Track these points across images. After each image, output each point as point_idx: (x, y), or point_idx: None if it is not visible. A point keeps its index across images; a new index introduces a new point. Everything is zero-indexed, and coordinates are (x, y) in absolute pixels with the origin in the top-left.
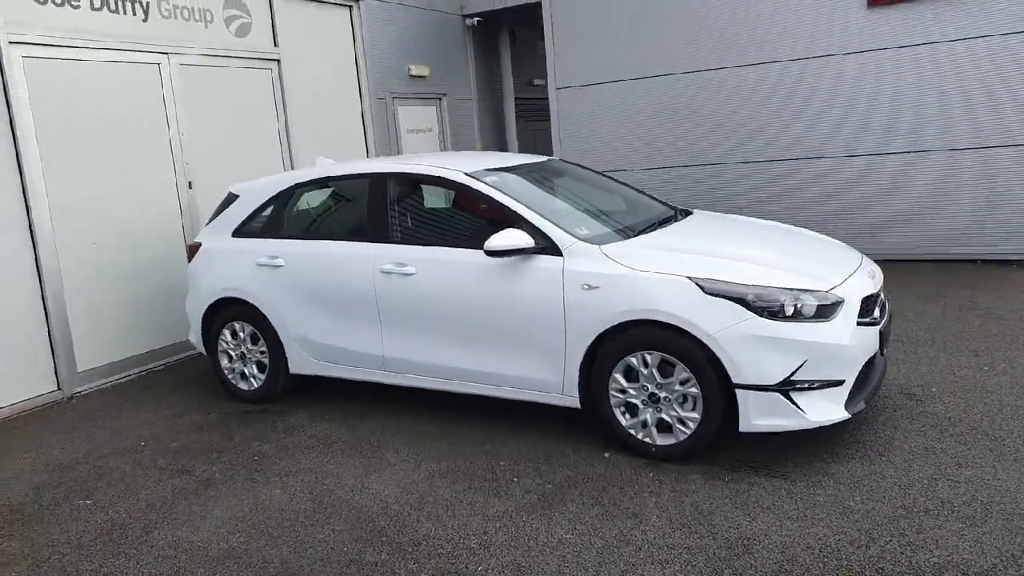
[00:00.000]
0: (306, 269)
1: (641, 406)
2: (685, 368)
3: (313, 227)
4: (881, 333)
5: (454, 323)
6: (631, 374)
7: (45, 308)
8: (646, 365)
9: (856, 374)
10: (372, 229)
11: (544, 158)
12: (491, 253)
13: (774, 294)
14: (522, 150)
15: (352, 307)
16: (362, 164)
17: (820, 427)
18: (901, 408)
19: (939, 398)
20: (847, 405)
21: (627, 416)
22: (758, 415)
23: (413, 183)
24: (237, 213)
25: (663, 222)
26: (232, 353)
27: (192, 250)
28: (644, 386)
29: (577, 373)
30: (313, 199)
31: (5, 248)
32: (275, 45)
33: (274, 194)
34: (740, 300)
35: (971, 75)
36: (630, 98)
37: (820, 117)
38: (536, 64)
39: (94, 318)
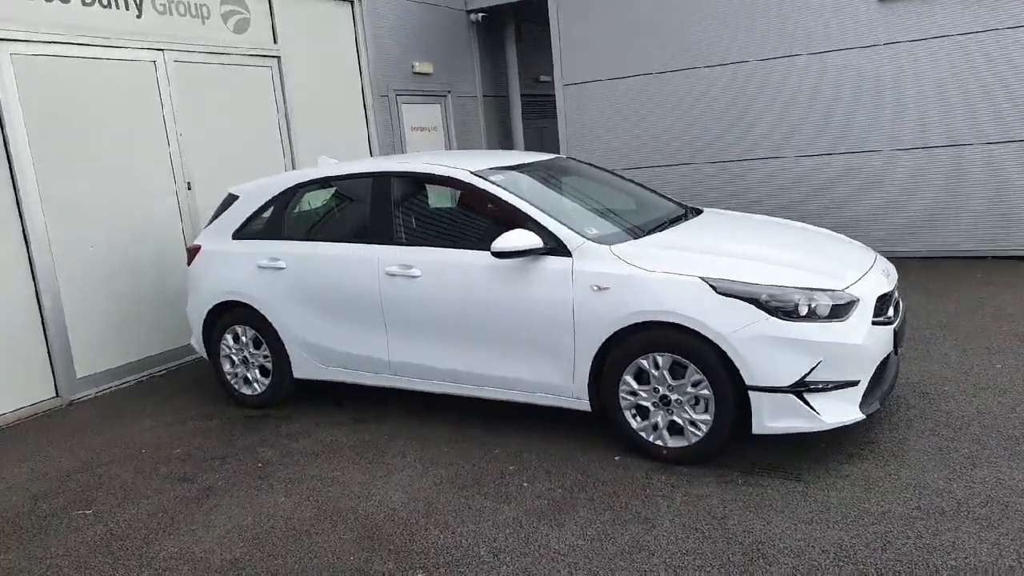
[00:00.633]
0: (309, 271)
1: (652, 408)
2: (697, 370)
3: (315, 228)
4: (895, 332)
5: (461, 326)
6: (642, 376)
7: (41, 313)
8: (657, 367)
9: (871, 374)
10: (376, 230)
11: (551, 156)
12: (498, 254)
13: (788, 294)
14: (528, 148)
15: (356, 310)
16: (365, 163)
17: (834, 428)
18: (914, 407)
19: (953, 397)
20: (862, 406)
21: (638, 419)
22: (772, 417)
23: (418, 183)
24: (237, 214)
25: (673, 221)
26: (234, 357)
27: (192, 252)
28: (655, 388)
29: (587, 375)
30: (315, 200)
31: None
32: (275, 42)
33: (275, 195)
34: (753, 300)
35: (983, 69)
36: (639, 94)
37: (836, 112)
38: (542, 60)
39: (93, 323)
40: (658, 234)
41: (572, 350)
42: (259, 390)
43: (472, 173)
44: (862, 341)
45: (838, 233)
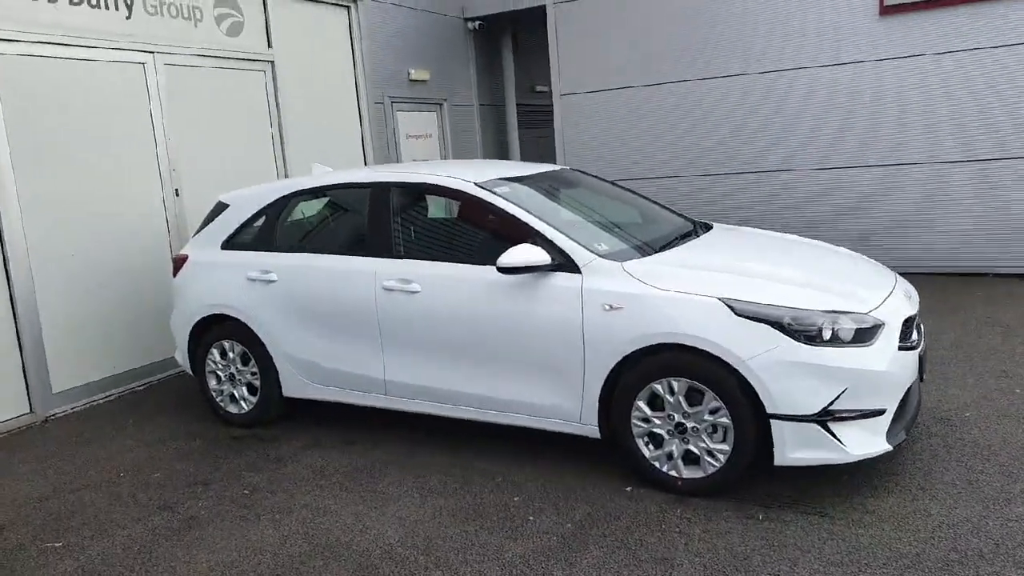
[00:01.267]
0: (301, 285)
1: (667, 437)
2: (715, 396)
3: (309, 240)
4: (920, 358)
5: (462, 345)
6: (655, 402)
7: (16, 323)
8: (672, 393)
9: (898, 403)
10: (374, 243)
11: (556, 167)
12: (504, 270)
13: (811, 317)
14: (524, 158)
15: (351, 326)
16: (363, 173)
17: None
18: (936, 435)
19: (975, 424)
20: (888, 436)
21: (650, 447)
22: (794, 447)
23: (418, 193)
24: (227, 223)
25: (684, 236)
26: (221, 374)
27: (178, 263)
28: (670, 415)
29: (596, 400)
30: (309, 209)
31: None
32: (268, 46)
33: (267, 204)
34: (775, 323)
35: (982, 85)
36: (637, 105)
37: (830, 126)
38: (539, 70)
39: (71, 334)
40: (671, 251)
41: (581, 373)
42: (246, 408)
43: (476, 184)
44: (888, 367)
45: (853, 251)
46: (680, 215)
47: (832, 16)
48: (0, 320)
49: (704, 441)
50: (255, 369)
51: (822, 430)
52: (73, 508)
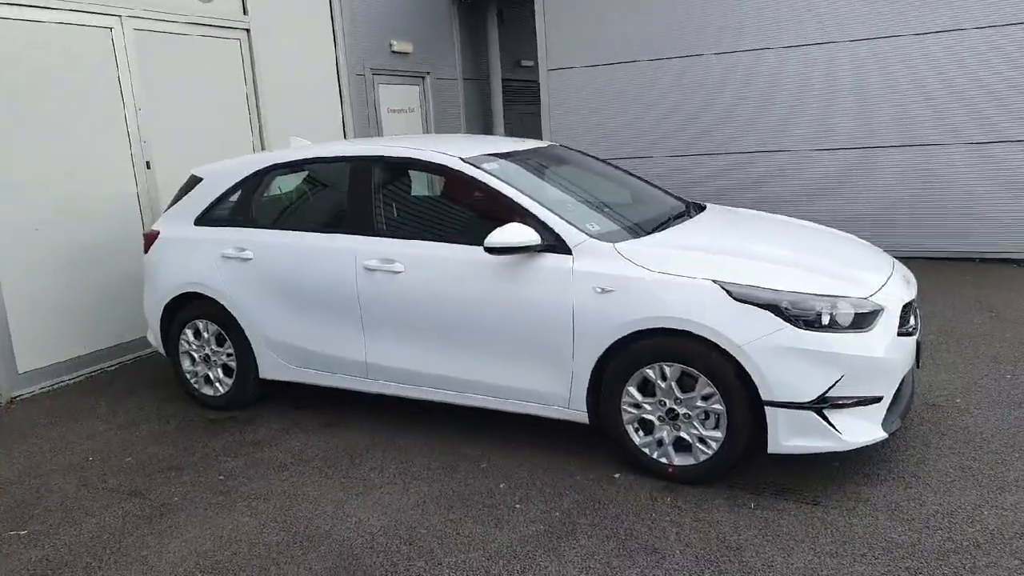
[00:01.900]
0: (278, 263)
1: (657, 423)
2: (708, 382)
3: (287, 216)
4: (917, 344)
5: (447, 327)
6: (647, 387)
7: None
8: (664, 378)
9: (895, 390)
10: (354, 220)
11: (544, 143)
12: (492, 250)
13: (810, 301)
14: (508, 134)
15: (330, 307)
16: (344, 146)
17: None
18: (928, 421)
19: (967, 410)
20: (884, 424)
21: (640, 433)
22: (789, 435)
23: (402, 169)
24: (200, 198)
25: (677, 217)
26: (195, 355)
27: (149, 239)
28: (661, 401)
29: (586, 385)
30: (287, 184)
31: None
32: (244, 13)
33: (243, 178)
34: (773, 307)
35: (955, 67)
36: (626, 81)
37: (813, 106)
38: (525, 44)
39: (38, 312)
40: (664, 231)
41: (570, 357)
42: (222, 391)
43: (463, 160)
44: (887, 354)
45: (847, 233)
46: (673, 195)
47: None
48: None
49: (696, 428)
50: (231, 350)
51: (818, 417)
52: (39, 494)
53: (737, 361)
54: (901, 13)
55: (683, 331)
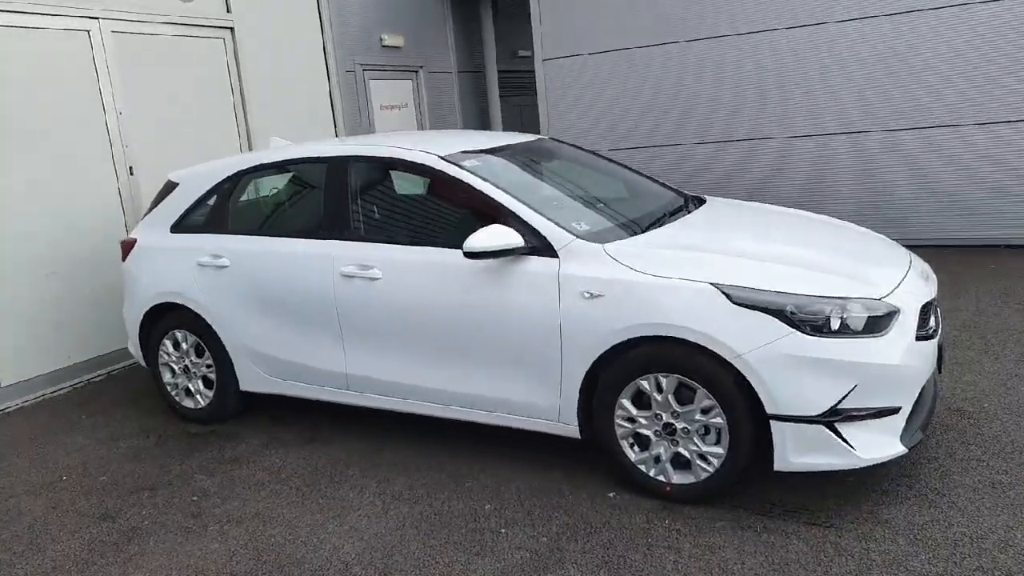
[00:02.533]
0: (255, 270)
1: (654, 438)
2: (708, 395)
3: (263, 221)
4: (939, 347)
5: (428, 336)
6: (642, 400)
7: None
8: (660, 390)
9: (914, 399)
10: (331, 224)
11: (533, 137)
12: (471, 255)
13: (818, 304)
14: (507, 127)
15: (308, 316)
16: (320, 146)
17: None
18: (952, 429)
19: (995, 417)
20: (903, 437)
21: (636, 449)
22: (797, 452)
23: (378, 168)
24: (177, 204)
25: (674, 213)
26: (175, 366)
27: (126, 247)
28: (657, 415)
29: (576, 397)
30: (264, 188)
31: None
32: (227, 11)
33: (218, 181)
34: (777, 312)
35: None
36: (627, 70)
37: (821, 89)
38: (521, 34)
39: (20, 323)
40: (658, 230)
41: (558, 368)
42: (203, 403)
43: (441, 158)
44: (904, 360)
45: (859, 226)
46: (671, 188)
47: None
48: None
49: (695, 444)
50: (210, 361)
51: (828, 432)
52: (7, 517)
53: (738, 371)
54: None
55: (679, 339)
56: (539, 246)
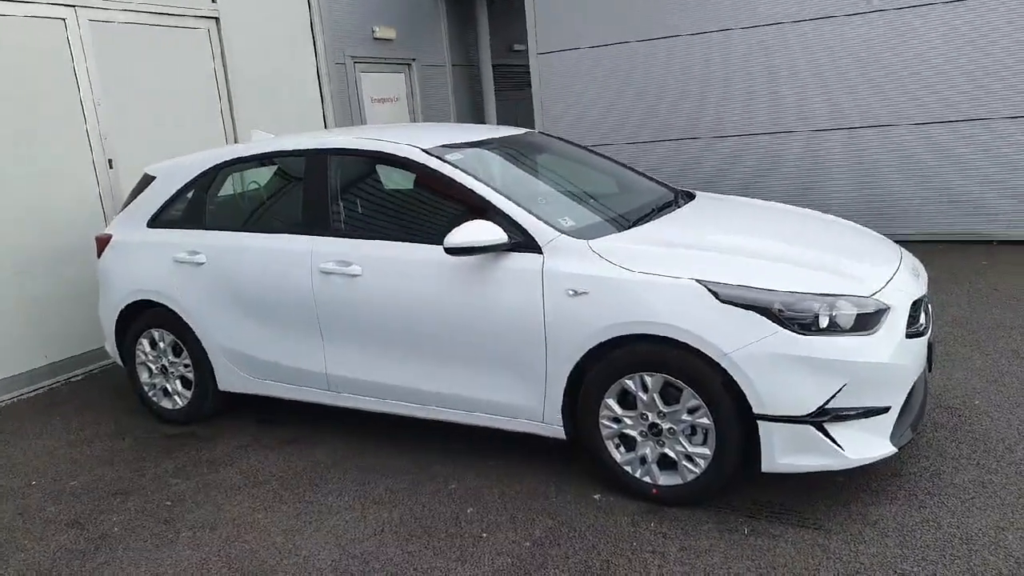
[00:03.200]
0: (232, 267)
1: (639, 439)
2: (694, 394)
3: (241, 216)
4: (929, 345)
5: (410, 335)
6: (627, 400)
7: None
8: (645, 389)
9: (904, 398)
10: (310, 219)
11: (520, 130)
12: (453, 251)
13: (806, 301)
14: (501, 122)
15: (287, 314)
16: (300, 139)
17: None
18: (942, 427)
19: (986, 414)
20: (892, 437)
21: (622, 450)
22: (785, 452)
23: (359, 162)
24: (153, 198)
25: (662, 208)
26: (152, 366)
27: (101, 243)
28: (643, 415)
29: (561, 397)
30: (242, 182)
31: None
32: (212, 0)
33: (196, 175)
34: (764, 310)
35: (982, 40)
36: (623, 64)
37: (825, 83)
38: (516, 27)
39: None
40: (646, 225)
41: (543, 367)
42: (181, 404)
43: (423, 151)
44: (894, 358)
45: (850, 221)
46: (660, 183)
47: None
48: None
49: (682, 444)
50: (188, 361)
51: (817, 432)
52: None
53: (724, 370)
54: None
55: (665, 337)
56: (523, 242)
